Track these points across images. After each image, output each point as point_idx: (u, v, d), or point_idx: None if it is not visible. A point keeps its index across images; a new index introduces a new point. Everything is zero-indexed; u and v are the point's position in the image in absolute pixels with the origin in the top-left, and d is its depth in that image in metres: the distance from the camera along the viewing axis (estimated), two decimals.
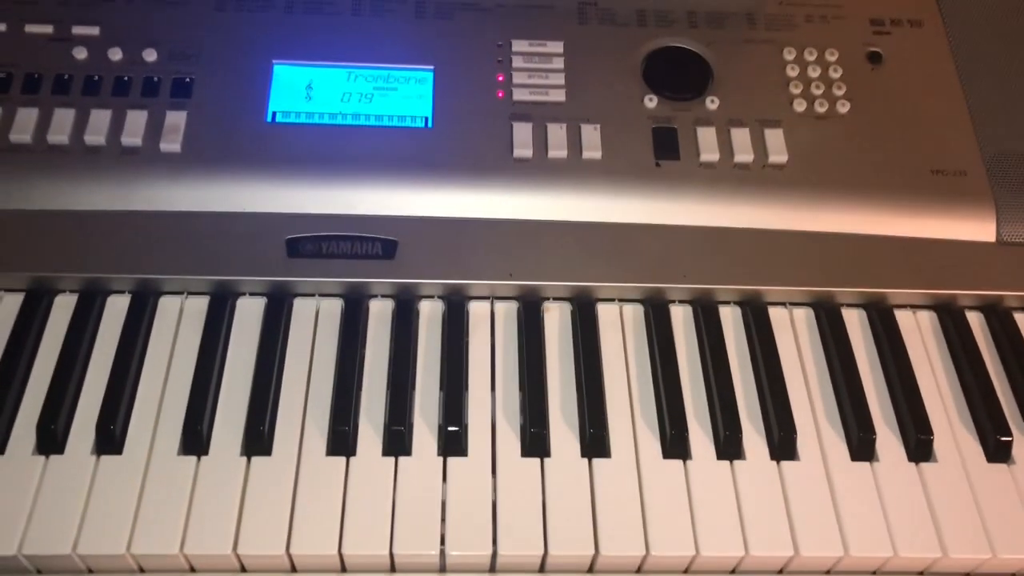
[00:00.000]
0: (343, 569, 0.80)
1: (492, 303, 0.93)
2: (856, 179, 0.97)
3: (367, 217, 0.92)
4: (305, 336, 0.89)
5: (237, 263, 0.90)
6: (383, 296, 0.92)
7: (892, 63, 1.04)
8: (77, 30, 0.99)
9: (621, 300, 0.94)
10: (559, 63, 1.01)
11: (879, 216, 0.96)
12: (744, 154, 0.97)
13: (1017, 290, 0.95)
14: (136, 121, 0.94)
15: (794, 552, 0.80)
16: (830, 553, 0.80)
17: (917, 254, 0.95)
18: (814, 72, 1.03)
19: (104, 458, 0.81)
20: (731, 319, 0.94)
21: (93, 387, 0.85)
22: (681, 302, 0.94)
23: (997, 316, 0.95)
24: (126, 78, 0.97)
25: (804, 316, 0.94)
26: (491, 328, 0.92)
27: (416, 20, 1.03)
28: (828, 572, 0.82)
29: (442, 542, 0.79)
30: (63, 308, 0.89)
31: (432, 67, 1.00)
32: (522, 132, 0.97)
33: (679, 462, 0.84)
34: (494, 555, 0.79)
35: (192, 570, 0.79)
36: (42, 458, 0.81)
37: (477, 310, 0.93)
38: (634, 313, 0.93)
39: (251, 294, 0.91)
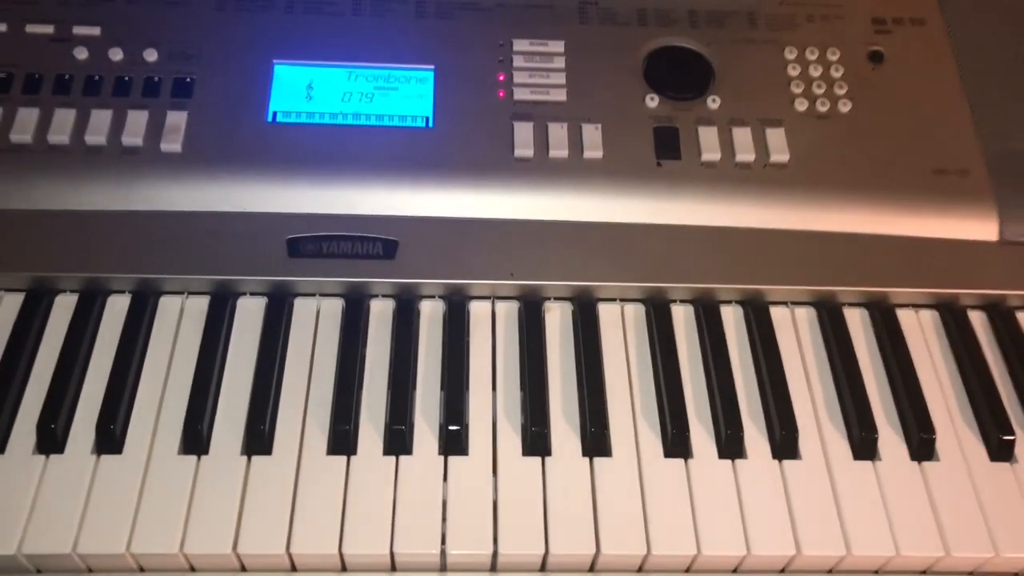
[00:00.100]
0: (343, 568, 0.79)
1: (493, 303, 0.93)
2: (858, 178, 0.97)
3: (368, 217, 0.92)
4: (306, 336, 0.89)
5: (238, 263, 0.90)
6: (384, 296, 0.92)
7: (894, 62, 1.04)
8: (78, 30, 0.99)
9: (622, 300, 0.94)
10: (560, 63, 1.01)
11: (881, 215, 0.96)
12: (745, 153, 0.97)
13: (1019, 289, 0.94)
14: (137, 121, 0.94)
15: (796, 551, 0.79)
16: (832, 552, 0.80)
17: (919, 253, 0.95)
18: (815, 71, 1.02)
19: (104, 457, 0.81)
20: (732, 318, 0.93)
21: (93, 386, 0.85)
22: (682, 302, 0.94)
23: (999, 315, 0.95)
24: (127, 78, 0.97)
25: (806, 315, 0.94)
26: (492, 328, 0.91)
27: (417, 20, 1.03)
28: (830, 571, 0.82)
29: (443, 541, 0.78)
30: (63, 308, 0.89)
31: (433, 67, 1.00)
32: (523, 132, 0.97)
33: (681, 461, 0.84)
34: (495, 554, 0.79)
35: (192, 569, 0.79)
36: (42, 457, 0.81)
37: (478, 310, 0.92)
38: (635, 313, 0.93)
39: (252, 294, 0.91)
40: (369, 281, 0.91)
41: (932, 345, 0.93)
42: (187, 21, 1.00)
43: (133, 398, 0.84)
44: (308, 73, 0.99)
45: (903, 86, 1.03)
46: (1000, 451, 0.86)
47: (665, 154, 0.97)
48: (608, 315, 0.93)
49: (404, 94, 0.98)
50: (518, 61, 1.01)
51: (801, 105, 1.00)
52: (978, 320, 0.95)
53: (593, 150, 0.96)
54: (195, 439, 0.82)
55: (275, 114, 0.96)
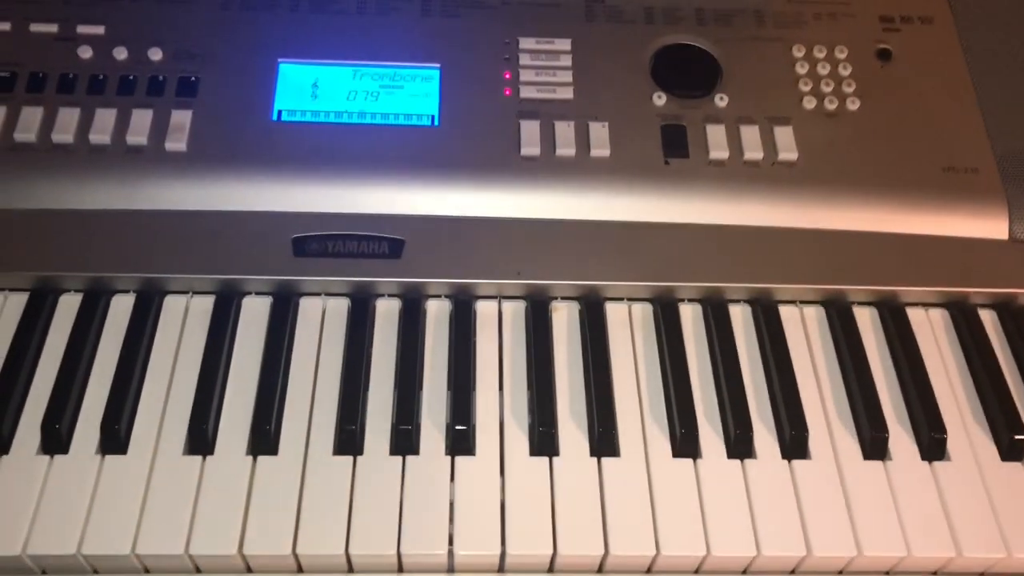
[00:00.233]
0: (350, 569, 0.79)
1: (500, 302, 0.92)
2: (866, 177, 0.96)
3: (374, 216, 0.92)
4: (311, 335, 0.89)
5: (243, 262, 0.89)
6: (390, 295, 0.92)
7: (902, 60, 1.04)
8: (82, 29, 0.98)
9: (630, 299, 0.93)
10: (567, 61, 1.01)
11: (890, 214, 0.95)
12: (754, 152, 0.96)
13: None
14: (141, 120, 0.93)
15: (807, 552, 0.79)
16: (843, 553, 0.79)
17: (929, 252, 0.94)
18: (823, 69, 1.02)
19: (109, 458, 0.80)
20: (741, 317, 0.93)
21: (98, 387, 0.84)
22: (691, 301, 0.93)
23: (1010, 313, 0.94)
24: (131, 77, 0.96)
25: (815, 314, 0.94)
26: (499, 327, 0.91)
27: (422, 18, 1.02)
28: (841, 572, 0.81)
29: (450, 542, 0.78)
30: (68, 307, 0.89)
31: (438, 65, 0.99)
32: (530, 130, 0.96)
33: (689, 461, 0.83)
34: (503, 555, 0.78)
35: (197, 570, 0.78)
36: (47, 458, 0.80)
37: (484, 309, 0.92)
38: (643, 312, 0.93)
39: (257, 293, 0.91)
40: (375, 280, 0.90)
41: (942, 344, 0.93)
42: (192, 20, 1.00)
43: (138, 398, 0.84)
44: (313, 72, 0.98)
45: (912, 84, 1.02)
46: (1011, 450, 0.85)
47: (673, 152, 0.96)
48: (616, 314, 0.92)
49: (410, 93, 0.98)
50: (524, 59, 1.00)
51: (809, 103, 1.00)
52: (988, 319, 0.94)
53: (600, 148, 0.95)
54: (200, 439, 0.81)
55: (280, 113, 0.96)
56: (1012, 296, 0.94)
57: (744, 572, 0.81)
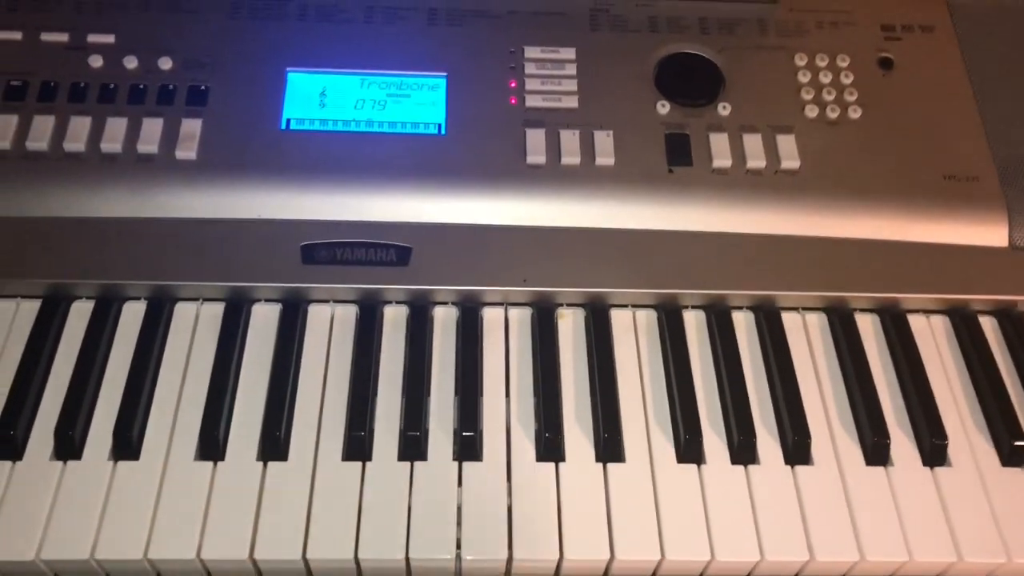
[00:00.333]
0: (359, 574, 0.80)
1: (506, 309, 0.93)
2: (868, 184, 0.97)
3: (381, 224, 0.93)
4: (320, 342, 0.90)
5: (252, 269, 0.90)
6: (397, 302, 0.93)
7: (903, 69, 1.05)
8: (92, 38, 0.99)
9: (635, 306, 0.94)
10: (571, 69, 1.02)
11: (891, 221, 0.96)
12: (756, 160, 0.97)
13: None
14: (152, 129, 0.94)
15: (809, 557, 0.80)
16: (846, 558, 0.80)
17: (930, 259, 0.95)
18: (825, 78, 1.03)
19: (121, 464, 0.82)
20: (744, 324, 0.94)
21: (110, 393, 0.85)
22: (694, 307, 0.94)
23: (1010, 320, 0.95)
24: (141, 86, 0.97)
25: (817, 321, 0.95)
26: (505, 334, 0.92)
27: (428, 27, 1.03)
28: None
29: (458, 547, 0.79)
30: (80, 315, 0.90)
31: (445, 74, 1.00)
32: (535, 138, 0.97)
33: (693, 467, 0.84)
34: (510, 560, 0.79)
35: (208, 575, 0.79)
36: (60, 464, 0.81)
37: (491, 316, 0.93)
38: (647, 319, 0.94)
39: (266, 300, 0.92)
40: (383, 288, 0.91)
41: (943, 350, 0.94)
42: (201, 29, 1.01)
43: (149, 404, 0.85)
44: (321, 80, 0.99)
45: (913, 92, 1.03)
46: (1012, 456, 0.86)
47: (677, 161, 0.97)
48: (620, 321, 0.93)
49: (416, 101, 0.99)
50: (530, 68, 1.01)
51: (811, 111, 1.01)
52: (989, 325, 0.95)
53: (605, 157, 0.96)
54: (211, 445, 0.82)
55: (289, 121, 0.97)
56: (1012, 303, 0.95)
57: None
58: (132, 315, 0.90)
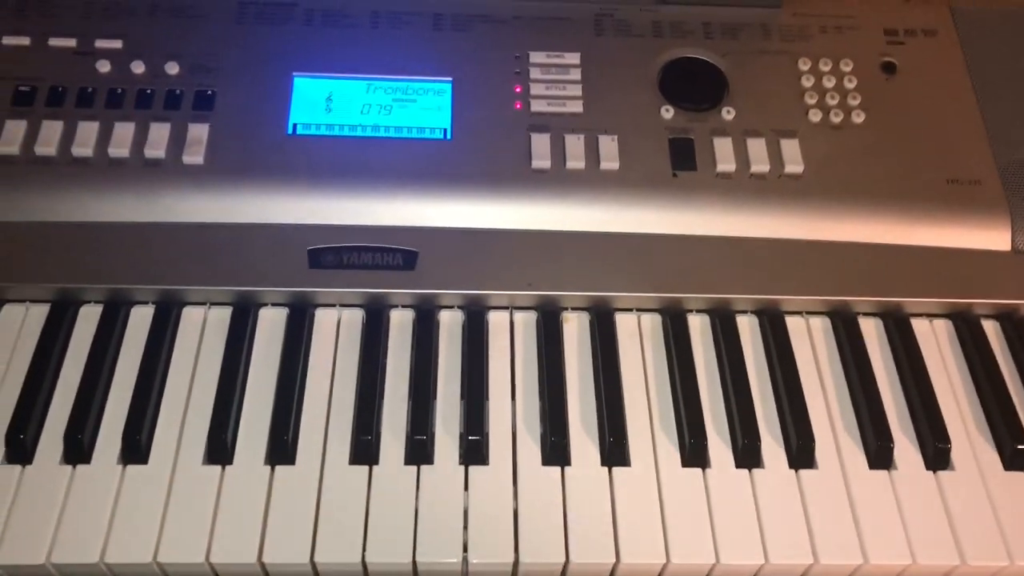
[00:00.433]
0: None
1: (511, 313, 0.94)
2: (871, 189, 0.98)
3: (387, 228, 0.93)
4: (327, 346, 0.90)
5: (259, 274, 0.91)
6: (404, 306, 0.93)
7: (906, 73, 1.05)
8: (100, 43, 1.00)
9: (639, 310, 0.95)
10: (576, 74, 1.02)
11: (895, 225, 0.97)
12: (760, 164, 0.98)
13: None
14: (159, 134, 0.95)
15: (813, 560, 0.80)
16: (849, 561, 0.81)
17: (933, 263, 0.95)
18: (829, 82, 1.03)
19: (130, 468, 0.82)
20: (748, 328, 0.94)
21: (118, 397, 0.86)
22: (699, 312, 0.95)
23: (1013, 324, 0.96)
24: (149, 91, 0.98)
25: (821, 325, 0.95)
26: (511, 338, 0.92)
27: (434, 32, 1.04)
28: None
29: (464, 550, 0.79)
30: (88, 319, 0.90)
31: (450, 79, 1.01)
32: (540, 143, 0.98)
33: (698, 471, 0.85)
34: (516, 563, 0.79)
35: None
36: (69, 468, 0.82)
37: (496, 320, 0.93)
38: (652, 323, 0.94)
39: (273, 304, 0.92)
40: (389, 292, 0.92)
41: (946, 354, 0.94)
42: (208, 34, 1.02)
43: (158, 409, 0.86)
44: (327, 85, 1.00)
45: (916, 97, 1.04)
46: (1014, 460, 0.87)
47: (681, 165, 0.98)
48: (625, 325, 0.94)
49: (422, 106, 0.99)
50: (535, 73, 1.02)
51: (815, 116, 1.01)
52: (991, 329, 0.96)
53: (609, 161, 0.97)
54: (219, 449, 0.83)
55: (295, 126, 0.97)
56: (1015, 307, 0.96)
57: None
58: (140, 320, 0.91)
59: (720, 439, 0.87)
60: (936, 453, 0.86)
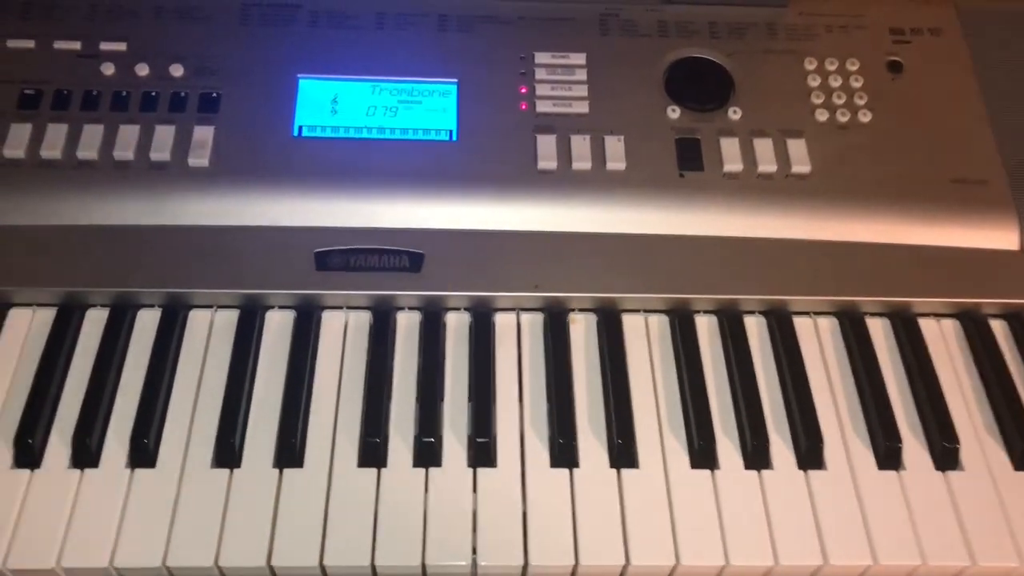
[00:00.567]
0: None
1: (518, 315, 0.94)
2: (878, 188, 0.98)
3: (393, 230, 0.93)
4: (334, 348, 0.90)
5: (266, 277, 0.91)
6: (410, 308, 0.93)
7: (912, 72, 1.05)
8: (105, 46, 1.00)
9: (646, 311, 0.94)
10: (582, 75, 1.02)
11: (902, 225, 0.96)
12: (767, 164, 0.97)
13: None
14: (164, 136, 0.95)
15: (823, 561, 0.80)
16: (859, 562, 0.80)
17: (940, 263, 0.95)
18: (835, 82, 1.03)
19: (138, 471, 0.82)
20: (756, 329, 0.94)
21: (126, 401, 0.86)
22: (706, 312, 0.95)
23: (1020, 324, 0.96)
24: (154, 93, 0.98)
25: (829, 326, 0.95)
26: (517, 339, 0.92)
27: (439, 33, 1.04)
28: None
29: (473, 553, 0.79)
30: (95, 323, 0.90)
31: (456, 80, 1.01)
32: (546, 144, 0.97)
33: (707, 472, 0.84)
34: (525, 565, 0.79)
35: None
36: (77, 472, 0.82)
37: (503, 322, 0.93)
38: (659, 324, 0.94)
39: (280, 307, 0.92)
40: (396, 294, 0.91)
41: (954, 354, 0.94)
42: (212, 36, 1.01)
43: (165, 412, 0.85)
44: (333, 87, 0.99)
45: (922, 96, 1.03)
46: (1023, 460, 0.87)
47: (687, 165, 0.98)
48: (632, 326, 0.93)
49: (428, 107, 0.99)
50: (540, 74, 1.02)
51: (821, 115, 1.01)
52: (999, 329, 0.96)
53: (616, 162, 0.97)
54: (227, 452, 0.83)
55: (300, 128, 0.97)
56: (1023, 306, 0.95)
57: None
58: (147, 323, 0.91)
59: (729, 440, 0.87)
60: (945, 453, 0.86)
